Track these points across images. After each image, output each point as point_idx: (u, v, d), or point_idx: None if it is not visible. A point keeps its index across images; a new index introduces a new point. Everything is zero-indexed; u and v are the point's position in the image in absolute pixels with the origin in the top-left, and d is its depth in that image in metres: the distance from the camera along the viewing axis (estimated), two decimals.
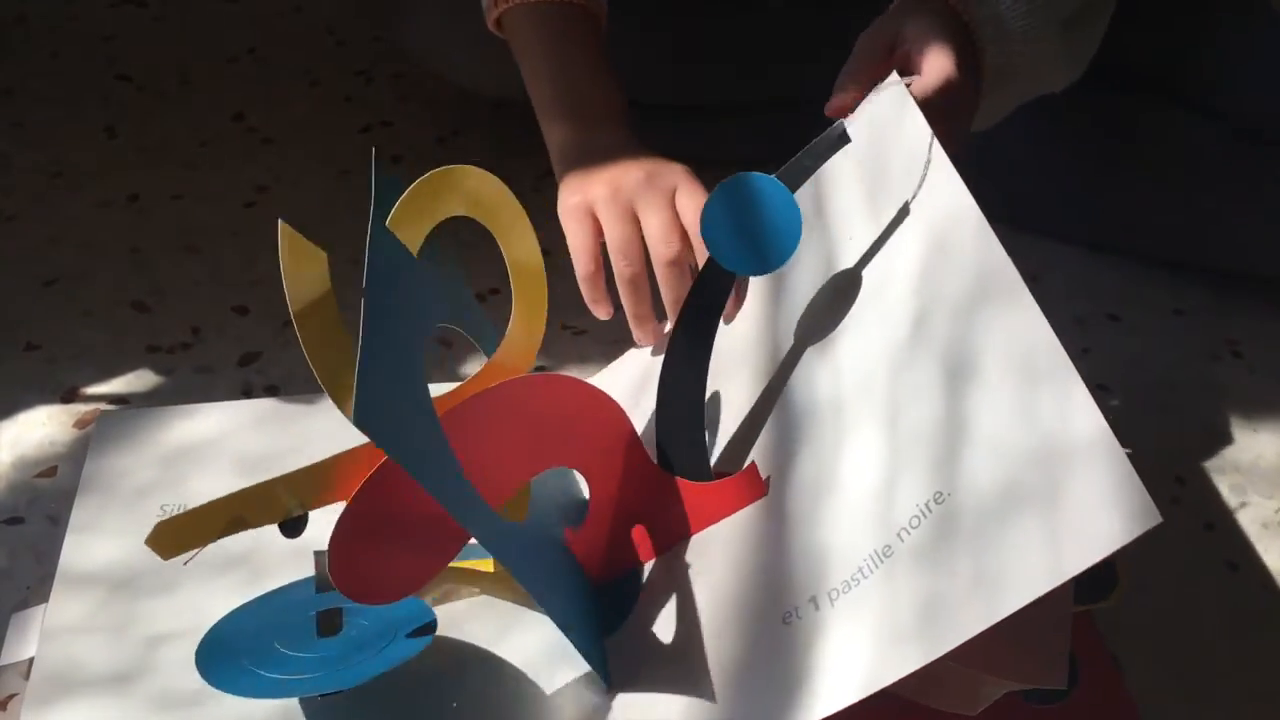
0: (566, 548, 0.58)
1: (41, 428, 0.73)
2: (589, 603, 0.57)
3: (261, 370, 0.78)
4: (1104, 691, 0.59)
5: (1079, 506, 0.42)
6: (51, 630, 0.59)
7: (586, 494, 0.57)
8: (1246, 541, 0.70)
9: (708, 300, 0.61)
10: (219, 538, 0.54)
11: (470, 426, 0.51)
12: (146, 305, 0.83)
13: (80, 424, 0.73)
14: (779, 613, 0.50)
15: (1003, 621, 0.42)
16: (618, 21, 0.75)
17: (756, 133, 0.95)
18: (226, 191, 0.95)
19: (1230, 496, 0.73)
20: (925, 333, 0.51)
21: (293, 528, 0.55)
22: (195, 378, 0.78)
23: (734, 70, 0.95)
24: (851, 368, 0.55)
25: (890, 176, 0.57)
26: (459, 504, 0.49)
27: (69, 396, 0.76)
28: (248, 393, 0.76)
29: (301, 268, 0.56)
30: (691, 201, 0.64)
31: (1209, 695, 0.62)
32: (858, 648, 0.46)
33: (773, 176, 0.57)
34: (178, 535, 0.53)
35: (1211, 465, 0.75)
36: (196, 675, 0.54)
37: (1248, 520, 0.71)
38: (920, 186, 0.55)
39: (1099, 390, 0.80)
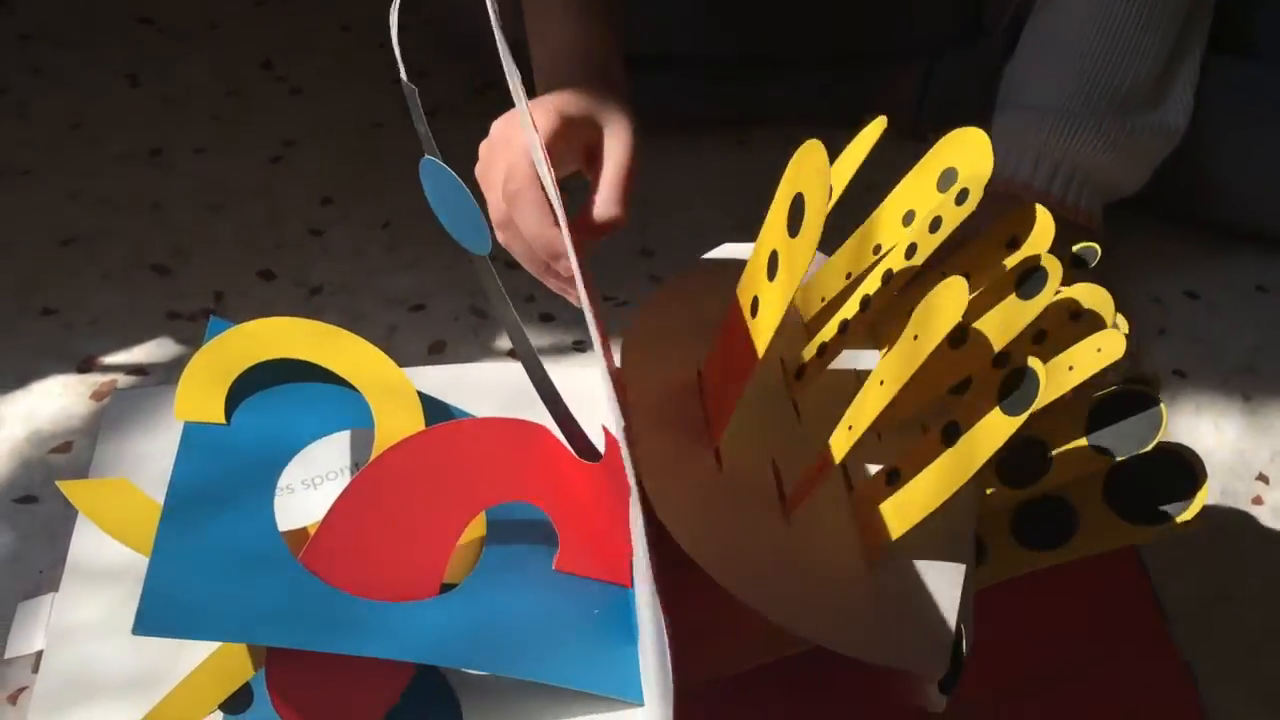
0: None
1: (57, 399, 0.70)
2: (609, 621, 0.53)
3: None
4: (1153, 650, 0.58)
5: None
6: (61, 627, 0.55)
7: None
8: None
9: None
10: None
11: (385, 490, 0.51)
12: (167, 268, 0.79)
13: (97, 396, 0.70)
14: None
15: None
16: None
17: (797, 90, 0.91)
18: (252, 145, 0.90)
19: None
20: None
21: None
22: None
23: (771, 22, 0.90)
24: None
25: None
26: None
27: (85, 366, 0.72)
28: None
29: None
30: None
31: None
32: None
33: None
34: None
35: None
36: None
37: None
38: None
39: (1175, 376, 0.75)
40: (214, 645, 0.50)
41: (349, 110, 0.94)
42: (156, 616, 0.47)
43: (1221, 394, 0.73)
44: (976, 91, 0.88)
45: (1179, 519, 0.44)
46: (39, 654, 0.55)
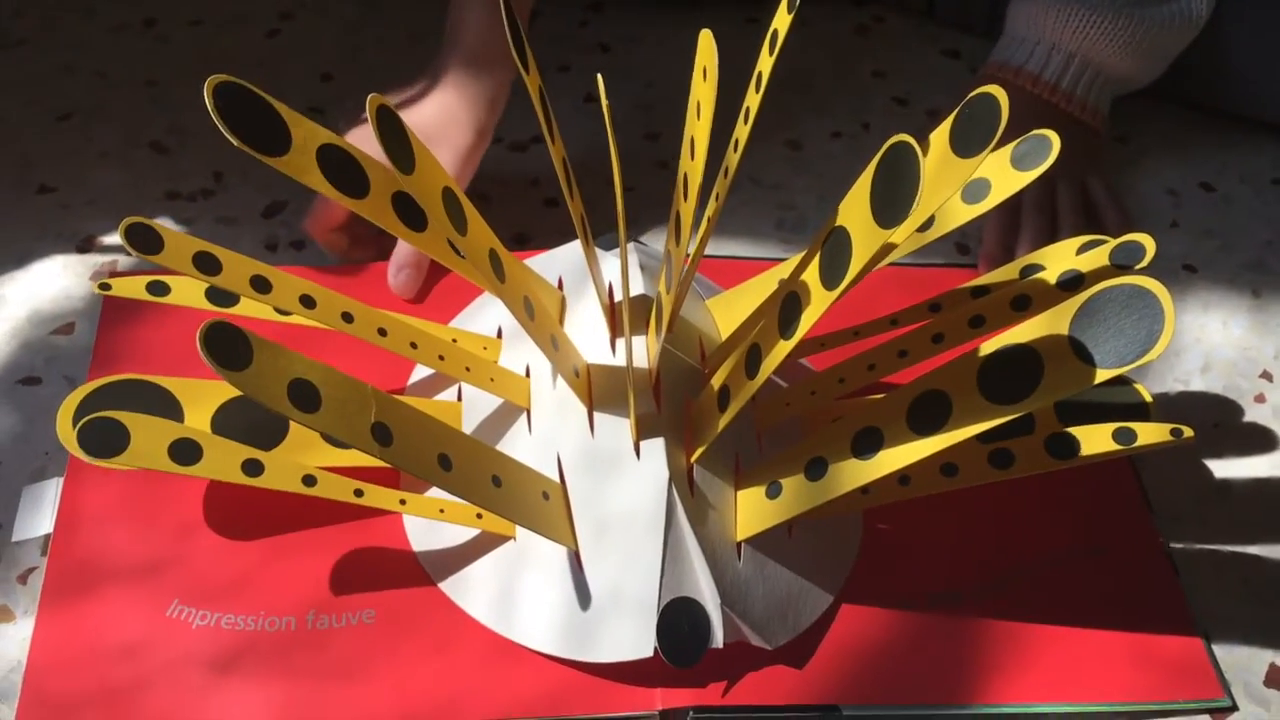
0: None
1: (57, 279, 0.70)
2: None
3: (287, 222, 0.73)
4: (1139, 542, 0.60)
5: None
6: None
7: None
8: None
9: None
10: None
11: None
12: (165, 146, 0.78)
13: (97, 277, 0.70)
14: None
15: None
16: None
17: None
18: (249, 17, 0.88)
19: None
20: None
21: None
22: (218, 229, 0.73)
23: None
24: None
25: None
26: None
27: (85, 246, 0.72)
28: (272, 248, 0.72)
29: None
30: None
31: (1276, 601, 0.58)
32: None
33: None
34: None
35: None
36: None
37: None
38: None
39: (1185, 271, 0.74)
40: None
41: None
42: None
43: (1231, 290, 0.73)
44: None
45: (1144, 358, 0.43)
46: (47, 536, 0.56)
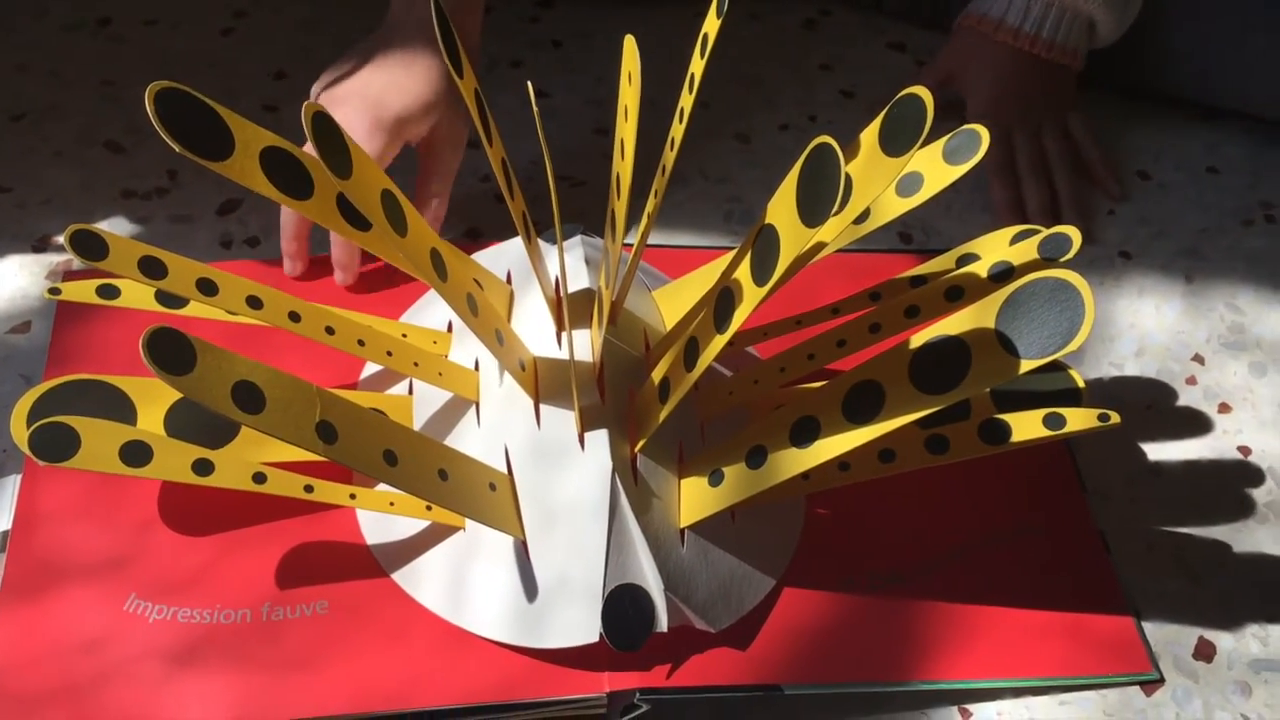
0: None
1: (13, 279, 0.70)
2: None
3: (242, 220, 0.74)
4: (1073, 522, 0.62)
5: None
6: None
7: None
8: (1262, 424, 0.67)
9: None
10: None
11: None
12: (120, 145, 0.79)
13: (53, 276, 0.70)
14: None
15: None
16: None
17: None
18: (203, 15, 0.89)
19: (1249, 375, 0.70)
20: None
21: None
22: (172, 227, 0.74)
23: None
24: None
25: None
26: None
27: (40, 245, 0.72)
28: (227, 245, 0.73)
29: None
30: None
31: (1205, 577, 0.60)
32: None
33: None
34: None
35: (1233, 343, 0.71)
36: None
37: (1265, 401, 0.68)
38: None
39: (1121, 258, 0.76)
40: None
41: None
42: None
43: (1164, 276, 0.75)
44: None
45: (1065, 350, 0.45)
46: (5, 533, 0.57)
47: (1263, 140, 0.83)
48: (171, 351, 0.42)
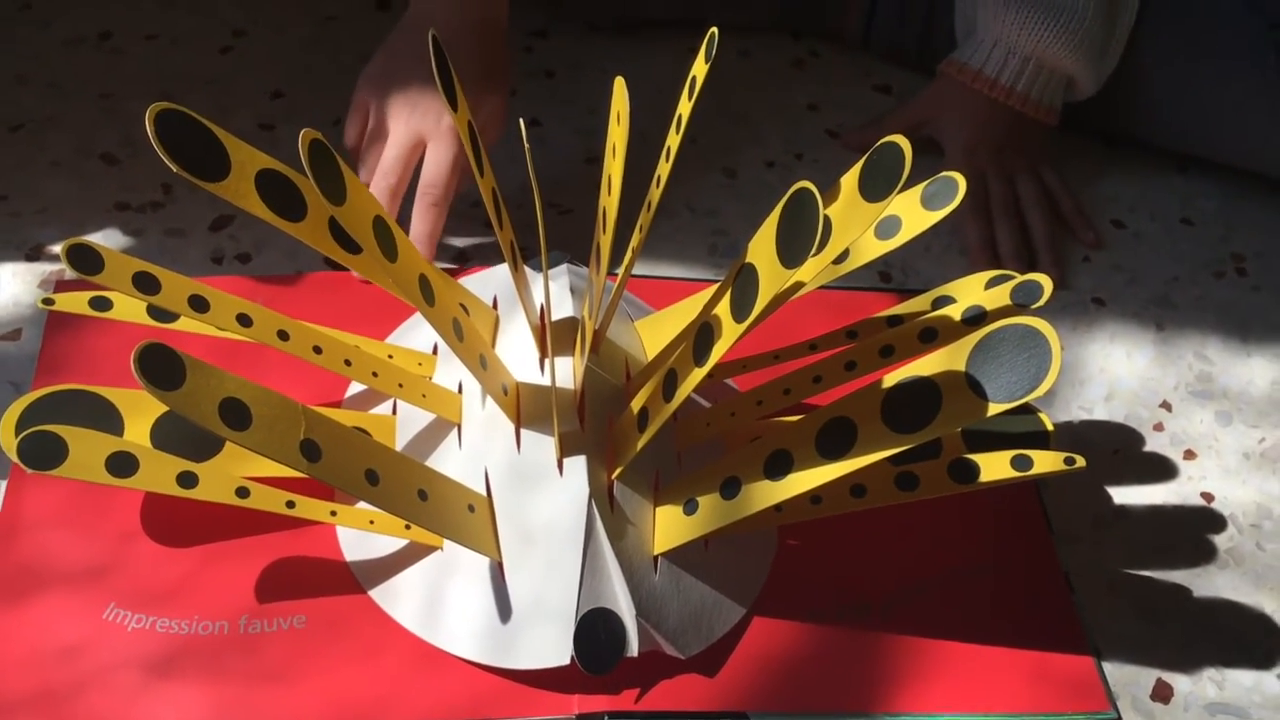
0: None
1: (6, 286, 0.71)
2: None
3: (234, 235, 0.76)
4: (1038, 562, 0.63)
5: None
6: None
7: None
8: (1226, 471, 0.69)
9: None
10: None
11: None
12: (116, 158, 0.80)
13: (45, 285, 0.71)
14: None
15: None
16: None
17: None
18: (203, 32, 0.90)
19: (1215, 424, 0.71)
20: None
21: None
22: (166, 240, 0.75)
23: None
24: None
25: None
26: None
27: (34, 254, 0.73)
28: (219, 260, 0.74)
29: None
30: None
31: (1165, 620, 0.62)
32: None
33: None
34: None
35: (1200, 391, 0.73)
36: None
37: (1229, 450, 0.70)
38: None
39: (1094, 304, 0.78)
40: None
41: (301, 1, 0.93)
42: None
43: (1136, 323, 0.77)
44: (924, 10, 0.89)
45: (1032, 394, 0.47)
46: None
47: (1235, 192, 0.86)
48: (162, 367, 0.43)
